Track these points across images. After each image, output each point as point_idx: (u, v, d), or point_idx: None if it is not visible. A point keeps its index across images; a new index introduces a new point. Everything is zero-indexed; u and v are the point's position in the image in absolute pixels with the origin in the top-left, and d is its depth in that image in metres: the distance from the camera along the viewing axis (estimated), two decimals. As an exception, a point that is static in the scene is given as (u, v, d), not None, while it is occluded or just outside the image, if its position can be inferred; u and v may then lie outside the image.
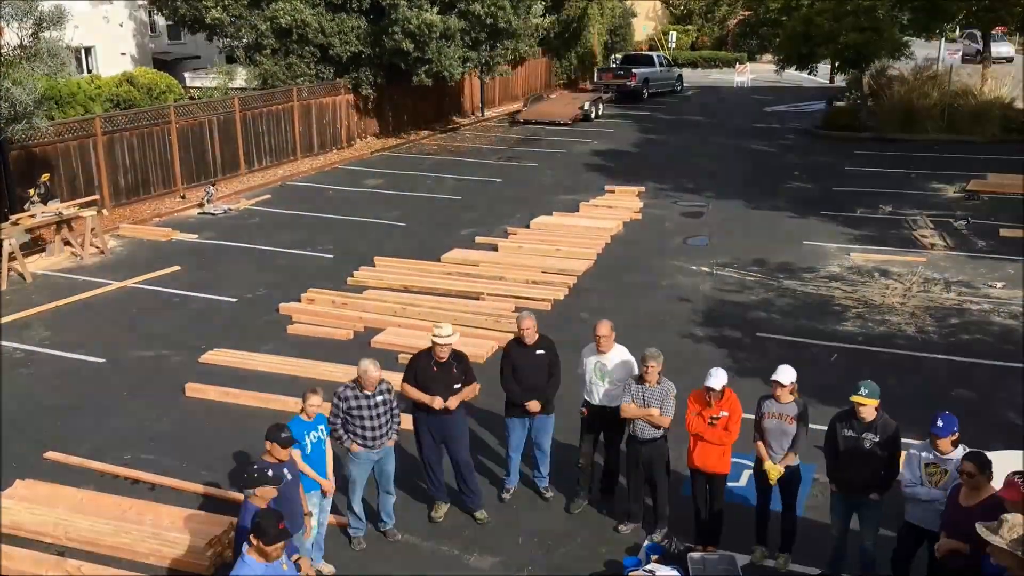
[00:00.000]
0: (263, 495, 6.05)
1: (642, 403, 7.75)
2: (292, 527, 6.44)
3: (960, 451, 6.59)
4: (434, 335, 7.97)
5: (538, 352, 8.34)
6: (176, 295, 14.63)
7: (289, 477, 6.66)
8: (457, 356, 8.15)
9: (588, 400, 8.39)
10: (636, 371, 8.02)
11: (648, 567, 7.26)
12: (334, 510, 8.00)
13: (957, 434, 6.57)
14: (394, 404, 7.79)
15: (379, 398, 7.64)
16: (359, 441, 7.66)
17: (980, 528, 5.10)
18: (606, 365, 8.22)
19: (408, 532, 8.23)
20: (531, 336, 8.29)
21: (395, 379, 8.55)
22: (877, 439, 6.89)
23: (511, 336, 11.87)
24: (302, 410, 7.34)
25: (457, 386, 8.06)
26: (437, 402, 7.92)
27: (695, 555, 7.46)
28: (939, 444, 6.56)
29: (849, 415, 7.04)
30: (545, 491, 8.77)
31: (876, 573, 7.21)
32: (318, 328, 13.03)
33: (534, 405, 8.21)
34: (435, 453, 8.24)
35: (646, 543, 7.81)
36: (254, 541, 5.45)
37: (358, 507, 7.94)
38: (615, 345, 8.29)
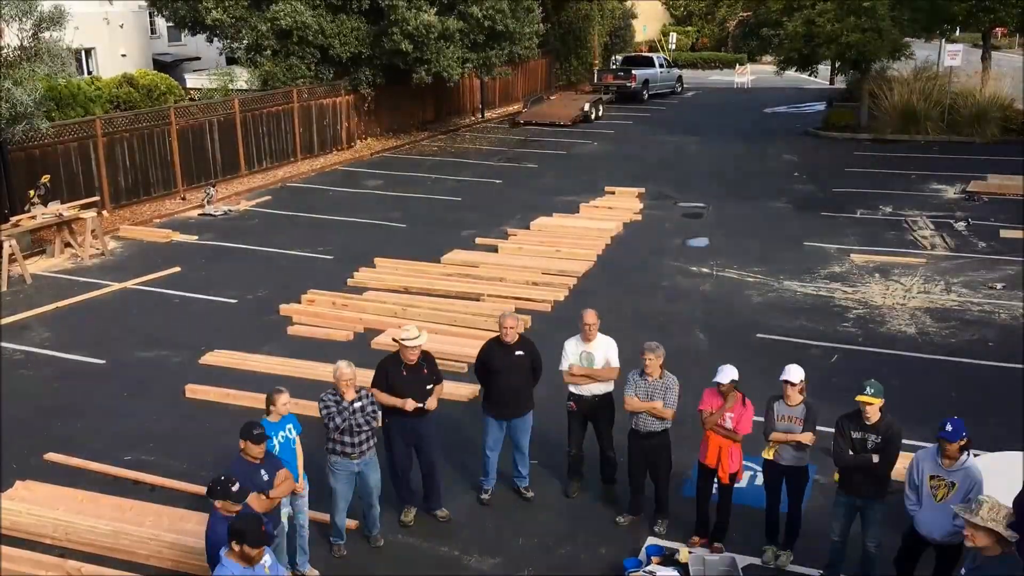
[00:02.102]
0: (225, 508, 5.94)
1: (645, 396, 7.82)
2: (268, 527, 6.44)
3: (967, 459, 6.56)
4: (402, 339, 7.91)
5: (518, 352, 8.36)
6: (176, 296, 14.63)
7: (265, 478, 6.65)
8: (425, 357, 8.11)
9: (574, 392, 8.42)
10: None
11: (648, 568, 7.27)
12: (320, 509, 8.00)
13: (966, 439, 6.51)
14: (375, 412, 7.71)
15: (357, 404, 7.56)
16: (338, 449, 7.60)
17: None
18: (592, 354, 8.30)
19: (408, 534, 8.23)
20: (512, 336, 8.31)
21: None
22: (879, 440, 6.90)
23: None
24: (268, 411, 7.27)
25: (429, 387, 8.03)
26: (410, 404, 7.85)
27: (695, 555, 7.46)
28: (948, 449, 6.50)
29: (855, 416, 7.03)
30: (525, 491, 8.76)
31: (877, 574, 7.22)
32: (318, 329, 13.03)
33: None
34: (407, 458, 8.21)
35: (647, 544, 7.82)
36: (235, 546, 5.43)
37: (340, 522, 7.86)
38: (599, 335, 8.37)
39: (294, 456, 7.34)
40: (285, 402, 7.26)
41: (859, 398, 6.91)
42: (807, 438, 7.35)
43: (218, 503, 5.95)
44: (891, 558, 7.10)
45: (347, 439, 7.56)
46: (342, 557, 7.87)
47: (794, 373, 7.38)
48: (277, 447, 7.17)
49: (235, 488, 5.94)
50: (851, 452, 6.99)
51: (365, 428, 7.61)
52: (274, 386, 7.58)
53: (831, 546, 7.36)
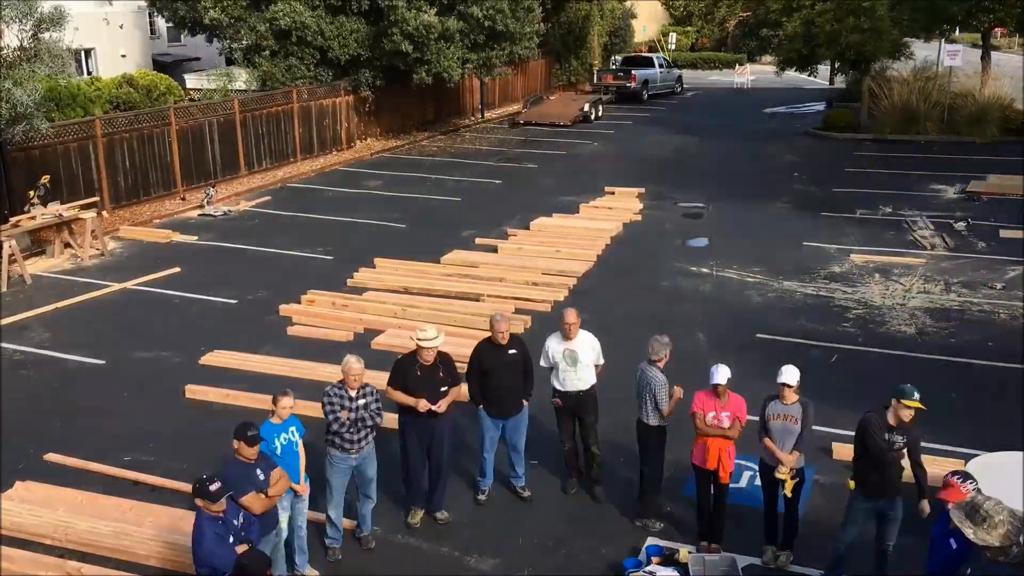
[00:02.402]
0: (205, 507, 6.03)
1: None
2: (264, 527, 6.45)
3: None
4: (419, 339, 7.95)
5: (511, 352, 8.39)
6: (176, 296, 14.63)
7: (261, 477, 6.66)
8: (443, 358, 8.13)
9: (559, 388, 8.51)
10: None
11: (648, 568, 7.27)
12: (319, 509, 8.01)
13: None
14: (378, 409, 7.72)
15: (361, 401, 7.58)
16: (337, 443, 7.61)
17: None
18: (576, 352, 8.40)
19: (408, 534, 8.23)
20: (505, 338, 8.35)
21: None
22: (904, 440, 6.90)
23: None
24: (272, 412, 7.26)
25: (444, 388, 8.05)
26: (422, 404, 7.87)
27: (695, 555, 7.46)
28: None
29: (881, 416, 6.95)
30: (522, 491, 8.78)
31: (888, 574, 7.21)
32: (318, 330, 13.03)
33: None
34: (420, 458, 8.23)
35: (647, 544, 7.82)
36: None
37: (336, 515, 7.86)
38: (580, 331, 8.50)
39: (296, 459, 7.33)
40: (286, 405, 7.25)
41: (909, 403, 6.79)
42: (790, 461, 7.38)
43: (198, 502, 6.05)
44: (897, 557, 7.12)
45: (347, 435, 7.57)
46: (337, 561, 7.84)
47: (790, 375, 7.37)
48: (279, 449, 7.17)
49: (212, 488, 6.01)
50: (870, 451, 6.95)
51: (368, 424, 7.63)
52: (275, 388, 7.57)
53: (837, 549, 7.29)
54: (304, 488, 7.40)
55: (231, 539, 6.06)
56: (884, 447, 6.87)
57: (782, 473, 7.40)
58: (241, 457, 6.65)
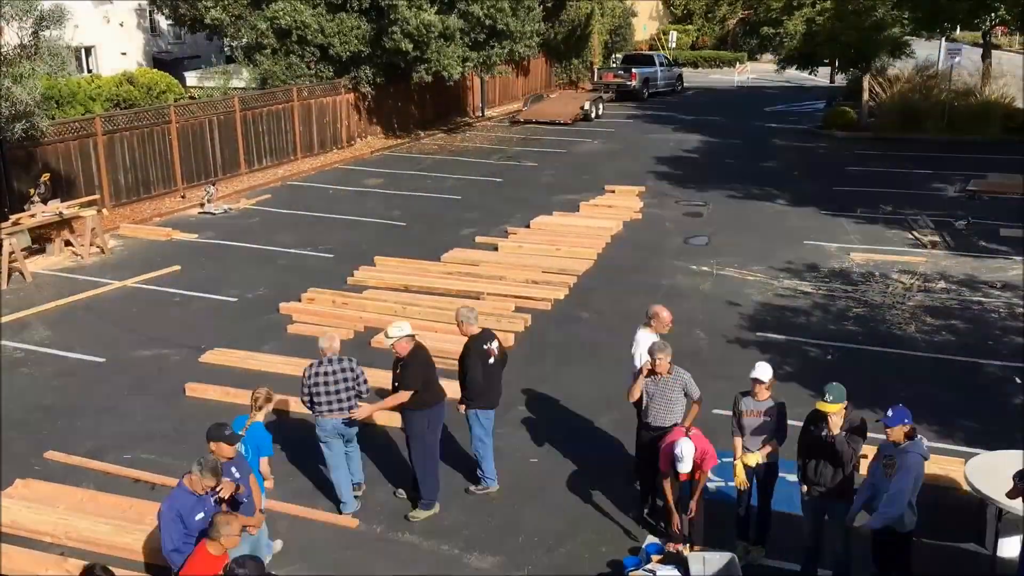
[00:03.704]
0: (219, 451, 6.44)
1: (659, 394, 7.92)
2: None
3: (913, 442, 6.67)
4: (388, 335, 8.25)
5: (492, 341, 8.56)
6: (176, 295, 14.64)
7: (237, 475, 6.66)
8: (403, 359, 8.20)
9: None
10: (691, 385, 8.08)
11: (648, 567, 7.26)
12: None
13: (909, 425, 6.64)
14: (359, 379, 8.05)
15: (338, 366, 7.95)
16: (316, 410, 7.96)
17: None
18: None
19: (408, 531, 8.24)
20: (468, 331, 8.48)
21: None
22: (836, 440, 6.90)
23: (510, 335, 11.87)
24: (253, 408, 7.45)
25: (396, 385, 8.26)
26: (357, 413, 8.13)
27: (695, 554, 7.45)
28: (889, 433, 6.65)
29: (820, 417, 6.99)
30: (479, 489, 8.81)
31: (849, 574, 7.22)
32: (318, 328, 13.00)
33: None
34: (429, 449, 8.31)
35: (646, 543, 7.81)
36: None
37: (340, 477, 8.17)
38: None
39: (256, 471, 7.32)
40: (268, 411, 7.55)
41: (819, 406, 6.85)
42: (755, 459, 7.43)
43: (213, 446, 6.49)
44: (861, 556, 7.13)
45: (324, 398, 7.91)
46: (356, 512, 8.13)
47: (762, 371, 7.38)
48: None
49: (228, 432, 6.47)
50: (810, 457, 7.05)
51: (346, 391, 7.98)
52: (275, 387, 7.66)
53: (805, 544, 7.35)
54: (258, 521, 6.93)
55: (201, 514, 6.12)
56: (807, 444, 7.04)
57: (748, 459, 7.44)
58: (219, 457, 6.62)
